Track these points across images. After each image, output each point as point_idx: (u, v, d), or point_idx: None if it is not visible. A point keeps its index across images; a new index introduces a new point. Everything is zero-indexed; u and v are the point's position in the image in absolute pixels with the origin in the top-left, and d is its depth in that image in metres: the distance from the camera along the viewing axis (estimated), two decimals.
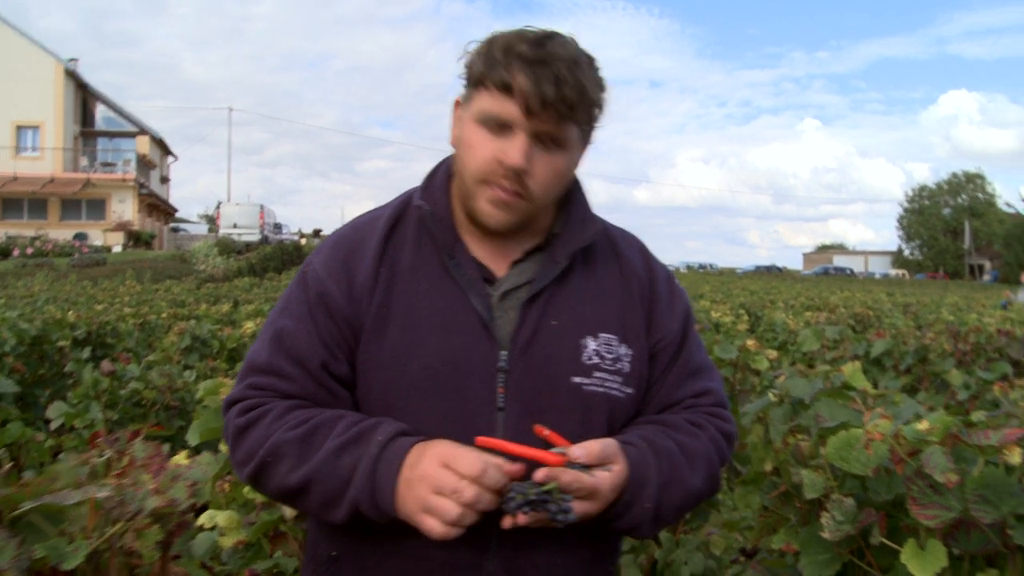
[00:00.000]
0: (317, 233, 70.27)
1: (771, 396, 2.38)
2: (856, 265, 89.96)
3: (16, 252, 36.04)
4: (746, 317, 11.82)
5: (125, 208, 45.89)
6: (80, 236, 42.57)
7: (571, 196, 1.71)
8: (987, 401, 4.30)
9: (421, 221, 1.64)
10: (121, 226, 43.92)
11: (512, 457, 1.42)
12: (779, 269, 78.72)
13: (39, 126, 45.55)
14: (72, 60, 47.52)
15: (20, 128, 45.64)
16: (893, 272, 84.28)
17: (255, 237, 45.52)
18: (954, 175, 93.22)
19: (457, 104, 1.63)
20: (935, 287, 53.04)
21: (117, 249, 40.97)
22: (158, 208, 52.50)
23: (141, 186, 46.61)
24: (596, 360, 1.61)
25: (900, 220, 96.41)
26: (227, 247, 40.36)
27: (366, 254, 1.60)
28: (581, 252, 1.66)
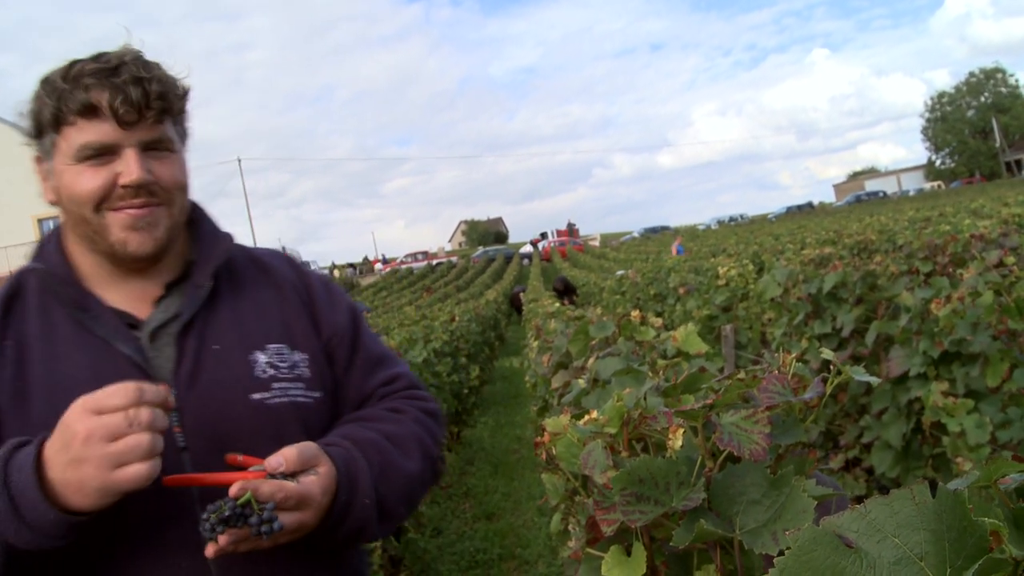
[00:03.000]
0: (352, 266, 70.73)
1: (580, 382, 2.19)
2: (889, 186, 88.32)
3: None
4: (751, 267, 11.50)
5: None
6: None
7: (197, 217, 1.67)
8: (929, 321, 4.05)
9: (43, 287, 1.53)
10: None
11: (206, 489, 1.34)
12: (812, 206, 77.57)
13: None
14: None
15: (42, 221, 46.30)
16: (928, 186, 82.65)
17: None
18: (971, 74, 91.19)
19: (39, 160, 1.53)
20: (970, 192, 51.83)
21: None
22: None
23: None
24: (272, 372, 1.56)
25: (924, 131, 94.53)
26: None
27: None
28: (226, 274, 1.63)
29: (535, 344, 5.75)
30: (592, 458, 1.24)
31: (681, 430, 1.21)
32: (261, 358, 1.56)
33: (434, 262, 65.24)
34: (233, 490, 1.29)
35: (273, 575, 1.49)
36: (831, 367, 1.27)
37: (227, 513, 1.28)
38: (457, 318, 13.73)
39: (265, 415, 1.52)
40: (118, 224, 1.49)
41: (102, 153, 1.46)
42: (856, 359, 4.91)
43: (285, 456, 1.39)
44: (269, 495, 1.32)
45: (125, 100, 1.43)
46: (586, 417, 1.33)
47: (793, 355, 1.51)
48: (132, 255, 1.51)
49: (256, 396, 1.52)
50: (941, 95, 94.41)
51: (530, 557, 6.03)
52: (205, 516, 1.27)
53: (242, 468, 1.38)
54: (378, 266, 73.58)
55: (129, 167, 1.47)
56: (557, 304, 9.86)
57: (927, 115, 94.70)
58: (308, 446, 1.43)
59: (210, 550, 1.29)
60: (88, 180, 1.47)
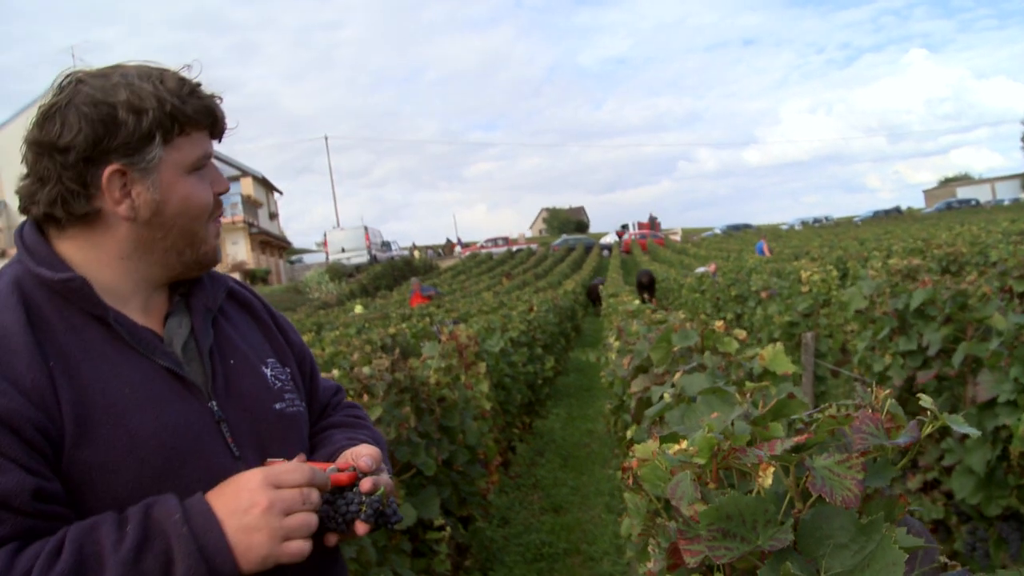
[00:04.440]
0: (433, 248, 71.24)
1: (666, 396, 2.19)
2: (982, 194, 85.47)
3: None
4: (835, 273, 11.29)
5: (238, 250, 47.29)
6: None
7: None
8: (1023, 346, 3.94)
9: (57, 297, 1.43)
10: (237, 267, 45.27)
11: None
12: (899, 211, 75.62)
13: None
14: None
15: None
16: None
17: (363, 259, 46.48)
18: None
19: (123, 173, 1.44)
20: None
21: None
22: (270, 244, 53.93)
23: (250, 226, 47.96)
24: (279, 384, 1.64)
25: None
26: (337, 272, 41.20)
27: (15, 350, 1.33)
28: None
29: (616, 344, 5.74)
30: (680, 489, 1.25)
31: (772, 468, 1.21)
32: (268, 371, 1.64)
33: (514, 248, 65.18)
34: (367, 485, 1.46)
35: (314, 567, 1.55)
36: (928, 413, 1.26)
37: (377, 504, 1.46)
38: (535, 308, 13.75)
39: (285, 423, 1.61)
40: (212, 234, 1.57)
41: (204, 165, 1.54)
42: (941, 379, 4.80)
43: (373, 456, 1.53)
44: (391, 491, 1.50)
45: (223, 118, 1.55)
46: (676, 447, 1.33)
47: (887, 391, 1.50)
48: (213, 263, 1.59)
49: (277, 406, 1.60)
50: None
51: (595, 554, 6.04)
52: (353, 505, 1.44)
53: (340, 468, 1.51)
54: (457, 249, 73.88)
55: (219, 178, 1.57)
56: (637, 302, 9.82)
57: None
58: (374, 448, 1.58)
59: (361, 528, 1.45)
60: (205, 191, 1.53)
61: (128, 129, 1.41)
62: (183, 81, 1.49)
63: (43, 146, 1.42)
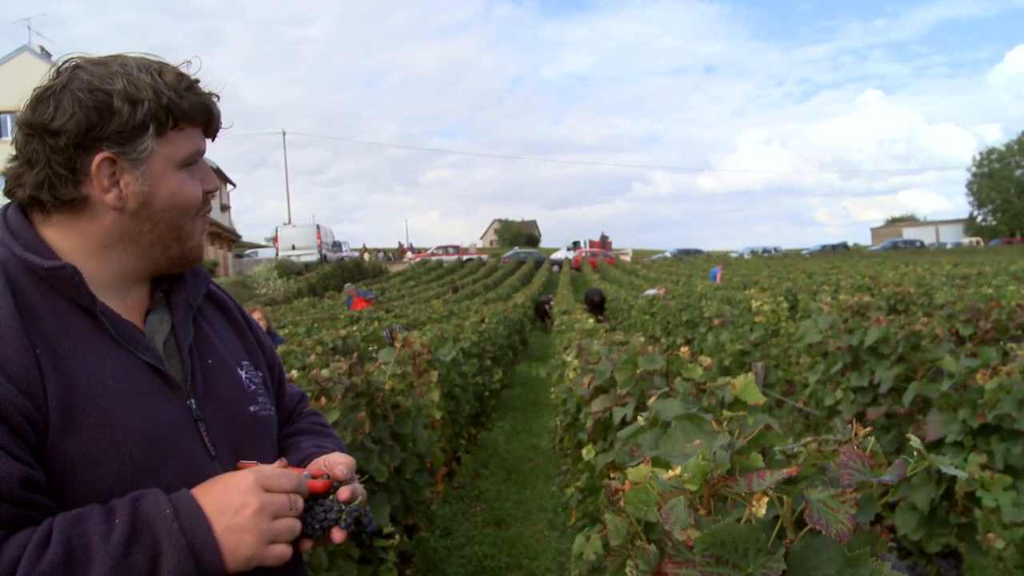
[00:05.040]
0: (383, 251, 70.95)
1: (640, 420, 2.21)
2: (927, 237, 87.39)
3: None
4: (785, 304, 11.45)
5: None
6: None
7: None
8: (972, 389, 4.04)
9: (43, 284, 1.40)
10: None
11: None
12: (846, 247, 77.04)
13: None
14: None
15: None
16: (966, 241, 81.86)
17: (314, 257, 46.14)
18: None
19: (113, 161, 1.42)
20: (1009, 252, 51.32)
21: None
22: (220, 236, 53.24)
23: None
24: (253, 387, 1.65)
25: (969, 186, 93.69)
26: (287, 269, 40.81)
27: (4, 335, 1.30)
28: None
29: (575, 362, 5.76)
30: (674, 514, 1.26)
31: (766, 498, 1.23)
32: (243, 373, 1.65)
33: (464, 257, 65.17)
34: (345, 494, 1.48)
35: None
36: (916, 453, 1.29)
37: (356, 512, 1.48)
38: (487, 320, 13.76)
39: (258, 426, 1.61)
40: (199, 230, 1.57)
41: (195, 161, 1.54)
42: (890, 416, 4.89)
43: (348, 465, 1.56)
44: (365, 500, 1.51)
45: (218, 116, 1.56)
46: (670, 473, 1.35)
47: (867, 429, 1.53)
48: (197, 259, 1.60)
49: (251, 408, 1.61)
50: (991, 151, 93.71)
51: (537, 570, 6.04)
52: (333, 512, 1.46)
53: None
54: (408, 255, 73.65)
55: (209, 175, 1.57)
56: (592, 321, 9.87)
57: (974, 169, 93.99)
58: (348, 458, 1.59)
59: (338, 536, 1.46)
60: (193, 186, 1.53)
61: (122, 118, 1.41)
62: (181, 76, 1.49)
63: (34, 128, 1.41)
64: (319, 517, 1.46)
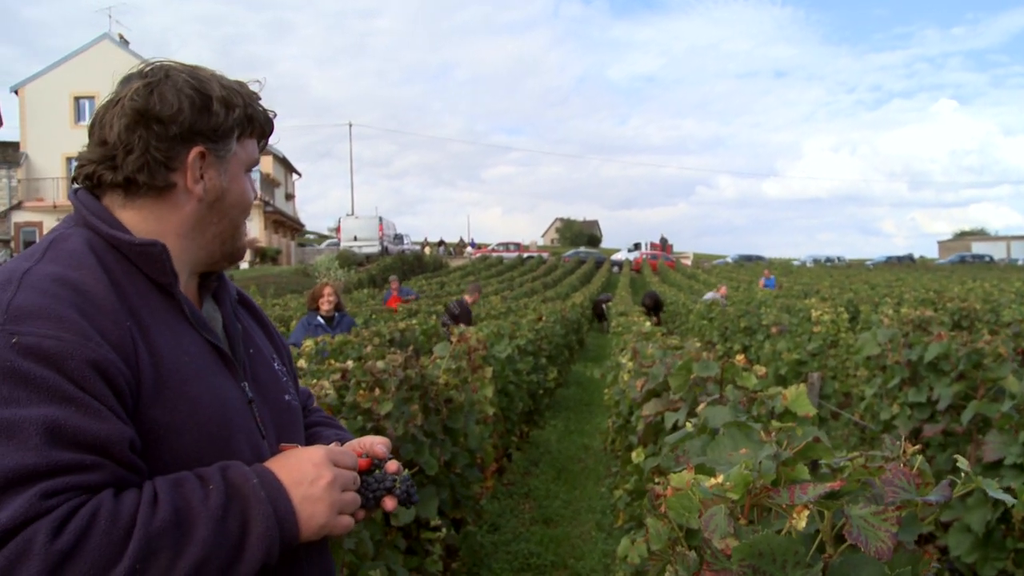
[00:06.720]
0: (441, 243, 71.25)
1: (688, 426, 2.21)
2: (997, 252, 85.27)
3: None
4: (845, 315, 11.29)
5: (252, 227, 47.33)
6: None
7: None
8: None
9: (125, 261, 1.48)
10: (249, 243, 45.21)
11: None
12: (912, 259, 75.51)
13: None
14: None
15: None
16: None
17: (375, 249, 46.54)
18: None
19: (204, 156, 1.56)
20: None
21: (244, 266, 42.32)
22: (284, 224, 54.05)
23: (266, 204, 48.04)
24: (285, 379, 1.77)
25: None
26: (348, 260, 41.27)
27: (102, 307, 1.36)
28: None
29: (629, 364, 5.75)
30: (714, 522, 1.27)
31: (807, 511, 1.23)
32: (276, 365, 1.78)
33: (525, 255, 65.14)
34: (393, 467, 1.63)
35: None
36: (963, 475, 1.28)
37: (406, 485, 1.63)
38: (544, 318, 13.77)
39: (293, 414, 1.74)
40: (246, 232, 1.73)
41: (252, 168, 1.70)
42: (948, 434, 4.81)
43: (386, 444, 1.68)
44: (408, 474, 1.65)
45: (273, 129, 1.74)
46: (712, 481, 1.35)
47: (916, 447, 1.52)
48: (242, 257, 1.75)
49: (286, 398, 1.73)
50: None
51: (582, 570, 6.05)
52: (387, 484, 1.60)
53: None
54: (468, 250, 73.87)
55: (255, 185, 1.74)
56: (649, 324, 9.83)
57: None
58: (384, 438, 1.70)
59: (390, 504, 1.60)
60: (252, 191, 1.69)
61: (219, 119, 1.56)
62: (253, 92, 1.67)
63: (145, 115, 1.50)
64: (372, 487, 1.59)
